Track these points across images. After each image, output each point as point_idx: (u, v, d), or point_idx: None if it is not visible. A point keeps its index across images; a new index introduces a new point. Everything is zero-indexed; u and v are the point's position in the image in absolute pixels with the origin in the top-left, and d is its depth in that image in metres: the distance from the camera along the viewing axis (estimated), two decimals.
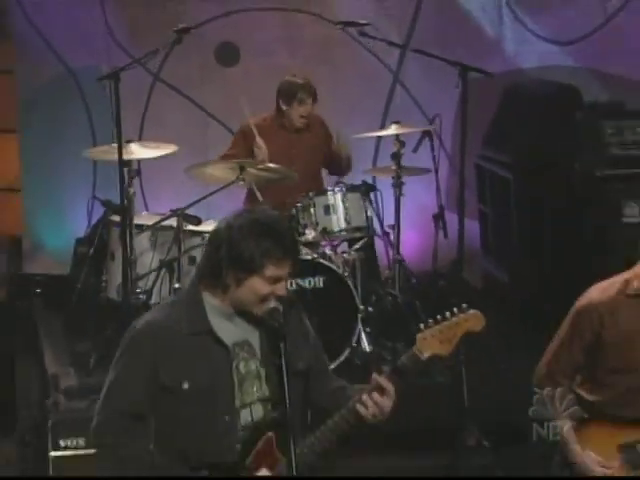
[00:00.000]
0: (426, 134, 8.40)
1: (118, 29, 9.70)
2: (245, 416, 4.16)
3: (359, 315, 7.77)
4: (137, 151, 7.84)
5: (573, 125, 8.33)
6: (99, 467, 5.34)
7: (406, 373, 4.09)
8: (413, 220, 8.86)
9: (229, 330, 4.15)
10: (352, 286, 7.78)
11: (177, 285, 7.74)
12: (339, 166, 8.64)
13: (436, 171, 8.49)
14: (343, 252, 8.13)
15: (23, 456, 7.35)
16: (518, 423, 7.45)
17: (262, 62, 8.71)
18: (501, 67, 8.68)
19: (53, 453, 6.77)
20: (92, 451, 6.66)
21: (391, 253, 8.59)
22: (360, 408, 3.98)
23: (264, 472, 4.11)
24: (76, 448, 6.79)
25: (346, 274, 7.76)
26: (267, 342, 4.16)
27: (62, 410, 7.07)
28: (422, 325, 4.10)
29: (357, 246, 8.26)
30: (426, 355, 4.05)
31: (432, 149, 8.43)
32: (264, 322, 4.10)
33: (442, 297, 8.07)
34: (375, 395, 3.96)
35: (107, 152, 8.02)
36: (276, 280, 4.03)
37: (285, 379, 3.87)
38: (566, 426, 5.04)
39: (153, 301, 7.80)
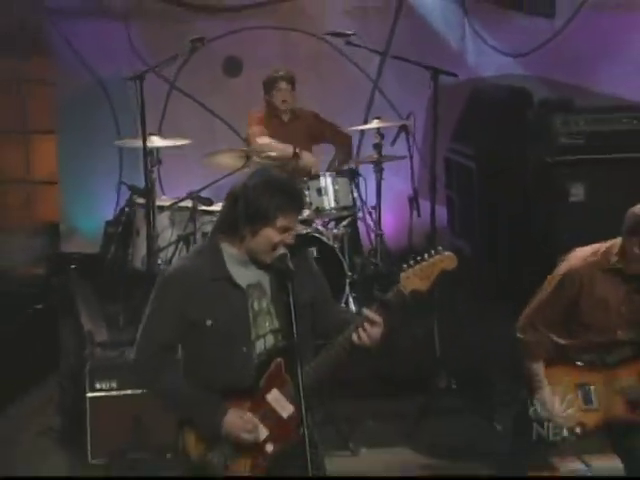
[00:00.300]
0: (402, 129, 8.44)
1: (139, 44, 9.73)
2: (259, 346, 4.19)
3: (347, 281, 7.83)
4: (158, 142, 7.91)
5: (525, 121, 8.43)
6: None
7: (391, 306, 4.14)
8: (391, 203, 8.95)
9: (244, 275, 4.18)
10: (341, 256, 7.86)
11: None
12: (343, 148, 8.75)
13: (411, 159, 8.56)
14: (333, 228, 8.15)
15: (63, 397, 7.40)
16: (481, 370, 7.66)
17: (262, 73, 8.63)
18: (464, 76, 8.66)
19: (90, 394, 6.83)
20: (122, 392, 6.85)
21: (373, 229, 8.66)
22: (354, 336, 4.04)
23: (275, 392, 4.15)
24: (109, 390, 6.90)
25: (336, 246, 7.80)
26: (276, 283, 4.19)
27: (97, 359, 7.10)
28: (405, 265, 4.14)
29: (344, 223, 8.33)
30: (408, 290, 4.12)
31: (407, 141, 8.48)
32: (273, 266, 4.15)
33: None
34: (367, 325, 4.02)
35: (133, 141, 8.20)
36: (285, 230, 4.08)
37: (293, 313, 3.97)
38: (538, 368, 5.18)
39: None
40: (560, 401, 5.14)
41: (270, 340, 4.25)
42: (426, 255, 4.17)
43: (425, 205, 8.69)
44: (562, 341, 5.22)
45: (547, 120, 8.19)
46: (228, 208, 4.19)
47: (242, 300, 4.18)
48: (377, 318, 4.07)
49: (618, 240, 5.11)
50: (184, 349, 4.29)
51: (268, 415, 4.15)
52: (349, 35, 8.49)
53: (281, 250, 4.10)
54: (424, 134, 8.97)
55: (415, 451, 6.91)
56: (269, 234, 4.05)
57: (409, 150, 8.55)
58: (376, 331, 4.08)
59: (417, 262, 4.17)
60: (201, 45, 8.04)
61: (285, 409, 4.15)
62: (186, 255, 4.90)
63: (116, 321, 7.86)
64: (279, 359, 4.15)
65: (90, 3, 9.99)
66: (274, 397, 4.15)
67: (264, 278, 4.23)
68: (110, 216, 9.61)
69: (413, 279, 4.16)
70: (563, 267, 5.21)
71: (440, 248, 4.26)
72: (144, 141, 7.63)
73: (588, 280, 5.11)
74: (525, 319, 5.23)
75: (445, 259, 4.21)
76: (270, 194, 4.05)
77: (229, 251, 4.18)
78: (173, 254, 7.97)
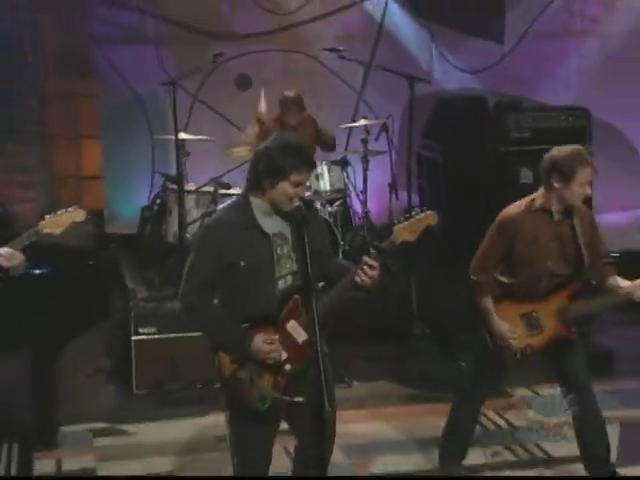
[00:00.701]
0: (383, 127, 8.51)
1: (168, 64, 9.75)
2: (281, 284, 4.26)
3: (340, 249, 7.89)
4: (186, 136, 8.04)
5: (483, 120, 8.53)
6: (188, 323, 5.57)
7: (385, 254, 4.17)
8: (374, 189, 8.98)
9: (269, 224, 4.23)
10: (335, 229, 7.95)
11: None
12: (328, 145, 8.68)
13: (390, 152, 8.63)
14: (328, 207, 8.15)
15: (112, 341, 7.49)
16: (448, 320, 7.76)
17: (267, 88, 8.75)
18: (432, 89, 8.72)
19: (134, 337, 6.94)
20: (160, 336, 6.97)
21: (360, 209, 8.73)
22: (357, 277, 4.10)
23: (292, 322, 4.23)
24: (149, 334, 6.98)
25: (330, 221, 7.81)
26: (295, 233, 4.23)
27: (139, 310, 7.15)
28: (396, 221, 4.22)
29: (337, 203, 8.35)
30: (399, 240, 4.18)
31: (387, 138, 8.54)
32: (292, 218, 4.20)
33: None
34: (366, 268, 4.06)
35: (168, 136, 8.29)
36: (298, 184, 4.13)
37: (308, 259, 4.05)
38: (488, 302, 5.20)
39: None
40: (508, 327, 5.18)
41: (289, 280, 4.28)
42: (413, 212, 4.26)
43: (402, 193, 8.78)
44: (505, 279, 5.26)
45: (501, 118, 8.31)
46: (253, 167, 4.26)
47: (268, 246, 4.22)
48: (375, 262, 4.09)
49: (538, 192, 5.20)
50: (221, 287, 4.30)
51: (287, 340, 4.22)
52: (341, 51, 8.60)
53: (296, 202, 4.16)
54: (399, 136, 8.92)
55: (395, 384, 7.08)
56: (285, 187, 4.10)
57: (388, 145, 8.59)
58: (374, 273, 4.11)
59: (407, 218, 4.24)
60: (220, 58, 8.16)
61: (301, 336, 4.21)
62: (221, 209, 4.85)
63: (153, 283, 7.88)
64: (296, 296, 4.22)
65: (128, 31, 10.01)
66: (292, 326, 4.22)
67: (286, 229, 4.26)
68: (145, 203, 9.65)
69: (403, 232, 4.21)
70: (499, 217, 5.24)
71: (424, 208, 4.38)
72: (176, 133, 7.81)
73: (520, 223, 5.15)
74: (475, 263, 5.27)
75: (429, 216, 4.27)
76: (285, 154, 4.11)
77: (256, 203, 4.22)
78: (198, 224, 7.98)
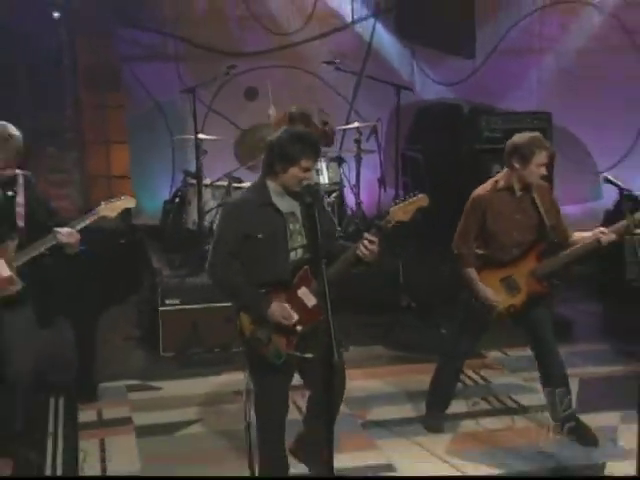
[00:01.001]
0: (373, 129, 8.54)
1: (186, 78, 9.73)
2: (292, 256, 4.32)
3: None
4: (203, 136, 8.04)
5: (459, 123, 8.54)
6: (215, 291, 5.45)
7: (382, 230, 4.21)
8: (366, 184, 9.01)
9: (283, 204, 4.28)
10: (332, 217, 7.80)
11: None
12: (328, 139, 8.59)
13: (379, 152, 8.63)
14: (326, 198, 8.01)
15: (142, 312, 7.52)
16: (431, 294, 7.87)
17: (282, 98, 8.85)
18: (414, 99, 8.78)
19: (161, 308, 6.97)
20: (183, 306, 7.03)
21: (354, 201, 8.71)
22: (358, 251, 4.16)
23: (303, 289, 4.30)
24: (174, 305, 7.01)
25: (329, 209, 7.75)
26: (304, 212, 4.27)
27: (165, 285, 7.19)
28: (393, 202, 4.36)
29: (334, 195, 8.33)
30: (395, 220, 4.24)
31: (376, 140, 8.57)
32: (302, 199, 4.22)
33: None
34: (366, 243, 4.11)
35: (188, 137, 8.24)
36: (307, 169, 4.19)
37: (318, 234, 4.04)
38: (472, 272, 5.23)
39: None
40: (492, 292, 5.21)
41: (300, 253, 4.36)
42: (407, 196, 4.32)
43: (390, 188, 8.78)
44: (482, 251, 5.32)
45: (475, 121, 8.33)
46: (267, 153, 4.28)
47: (282, 222, 4.27)
48: (374, 238, 4.14)
49: (500, 174, 5.36)
50: (242, 257, 4.32)
51: (298, 305, 4.28)
52: (337, 63, 8.63)
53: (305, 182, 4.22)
54: (386, 138, 8.96)
55: (386, 348, 7.15)
56: (295, 172, 4.16)
57: (377, 146, 8.62)
58: (373, 247, 4.16)
59: (402, 201, 4.33)
60: (232, 70, 8.24)
61: (310, 301, 4.28)
62: (242, 190, 4.94)
63: (174, 263, 7.90)
64: (306, 266, 4.27)
65: (151, 50, 10.00)
66: (303, 292, 4.28)
67: (296, 208, 4.32)
68: (167, 196, 9.62)
69: (398, 212, 4.27)
70: (470, 198, 5.34)
71: (417, 192, 4.38)
72: (196, 133, 7.86)
73: (488, 201, 5.25)
74: (457, 239, 5.33)
75: (421, 199, 4.32)
76: (295, 142, 4.17)
77: (271, 186, 4.26)
78: (214, 217, 7.90)
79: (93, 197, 9.74)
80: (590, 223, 5.91)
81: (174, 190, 9.44)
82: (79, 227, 4.63)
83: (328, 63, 8.94)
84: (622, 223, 5.15)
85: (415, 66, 9.89)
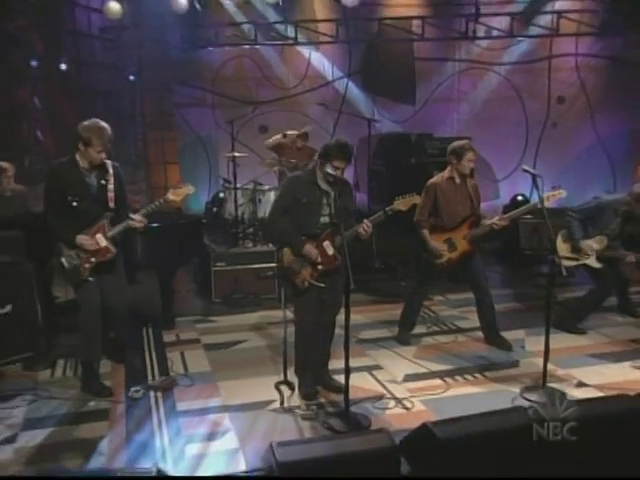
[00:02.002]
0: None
1: (219, 119, 9.66)
2: (322, 220, 4.40)
3: None
4: (237, 154, 7.79)
5: (408, 146, 8.51)
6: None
7: (386, 214, 4.45)
8: None
9: (323, 185, 4.34)
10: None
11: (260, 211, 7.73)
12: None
13: (355, 167, 8.74)
14: None
15: (198, 271, 7.41)
16: (397, 256, 7.83)
17: (281, 130, 8.43)
18: (375, 131, 8.71)
19: (213, 268, 6.93)
20: (228, 267, 6.95)
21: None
22: (360, 229, 4.32)
23: (326, 242, 4.37)
24: (222, 266, 6.97)
25: None
26: (334, 193, 4.33)
27: (215, 254, 7.04)
28: (396, 198, 4.45)
29: None
30: (396, 209, 4.44)
31: (354, 164, 8.31)
32: (334, 184, 4.33)
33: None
34: (365, 227, 4.31)
35: (227, 154, 7.92)
36: (338, 168, 4.24)
37: (338, 208, 4.27)
38: (426, 233, 5.32)
39: (246, 214, 7.84)
40: (438, 246, 5.31)
41: (327, 219, 4.41)
42: (404, 196, 4.45)
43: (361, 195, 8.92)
44: (434, 221, 5.39)
45: (421, 144, 8.35)
46: (319, 152, 4.38)
47: (319, 195, 4.35)
48: (369, 224, 4.32)
49: (448, 169, 5.43)
50: (290, 213, 4.39)
51: (322, 251, 4.36)
52: (327, 105, 8.66)
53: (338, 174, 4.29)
54: (359, 157, 8.63)
55: (365, 294, 7.01)
56: (329, 168, 4.23)
57: (355, 162, 8.55)
58: (369, 229, 4.33)
59: (402, 197, 4.47)
60: (257, 108, 8.45)
61: (330, 250, 4.38)
62: (302, 172, 4.78)
63: (218, 241, 7.66)
64: (329, 228, 4.36)
65: (194, 100, 9.91)
66: (326, 244, 4.38)
67: (330, 190, 4.36)
68: (207, 199, 9.46)
69: (400, 204, 4.44)
70: (426, 185, 5.40)
71: (412, 193, 4.49)
72: (233, 150, 7.78)
73: (438, 186, 5.37)
74: (417, 212, 5.30)
75: (416, 198, 4.50)
76: (333, 147, 4.27)
77: (318, 173, 4.33)
78: (244, 210, 7.84)
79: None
80: (492, 215, 5.93)
81: (212, 194, 9.34)
82: (150, 211, 4.52)
83: (321, 104, 9.04)
84: (511, 213, 5.45)
85: (375, 110, 9.79)
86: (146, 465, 3.66)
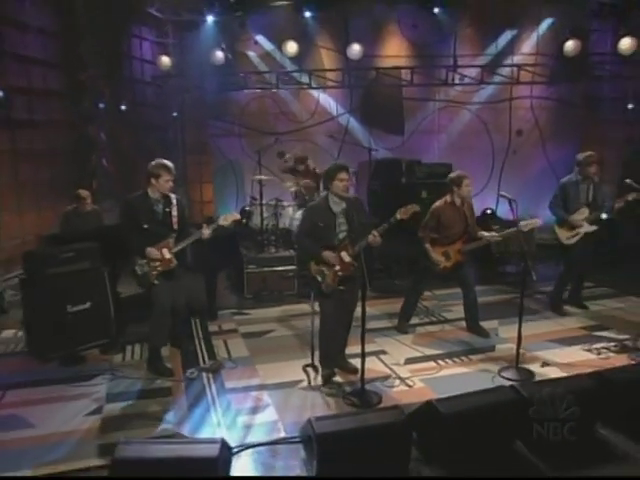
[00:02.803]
0: (354, 174, 8.11)
1: (245, 147, 9.70)
2: (339, 235, 4.39)
3: None
4: (263, 177, 7.75)
5: (400, 169, 8.40)
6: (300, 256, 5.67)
7: (391, 224, 4.30)
8: None
9: (335, 207, 4.34)
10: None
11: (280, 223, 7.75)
12: (317, 177, 8.04)
13: (357, 186, 8.58)
14: None
15: (236, 273, 7.19)
16: (395, 260, 7.68)
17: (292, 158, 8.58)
18: (372, 158, 8.51)
19: (246, 270, 6.89)
20: (258, 269, 6.87)
21: None
22: (370, 238, 4.23)
23: (344, 252, 4.34)
24: (253, 268, 6.93)
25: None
26: (347, 210, 4.34)
27: (247, 258, 7.00)
28: (398, 209, 4.29)
29: None
30: (398, 218, 4.29)
31: (356, 179, 8.37)
32: (347, 202, 4.35)
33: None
34: (373, 236, 4.24)
35: (255, 177, 7.86)
36: (343, 180, 4.25)
37: (354, 223, 4.31)
38: (429, 246, 5.31)
39: (270, 226, 7.79)
40: (437, 257, 5.31)
41: (343, 234, 4.39)
42: (406, 206, 4.30)
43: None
44: (435, 235, 5.35)
45: (411, 168, 8.29)
46: (324, 176, 4.44)
47: (333, 218, 4.33)
48: (377, 234, 4.22)
49: (448, 194, 5.33)
50: (311, 234, 4.38)
51: (340, 260, 4.34)
52: (334, 136, 8.67)
53: (350, 194, 4.39)
54: (358, 179, 8.68)
55: (370, 291, 6.76)
56: (337, 183, 4.25)
57: (356, 182, 8.49)
58: (378, 239, 4.23)
59: (404, 207, 4.31)
60: (280, 139, 8.32)
61: (347, 258, 4.35)
62: (318, 199, 4.77)
63: (249, 246, 7.56)
64: (346, 241, 4.35)
65: (225, 131, 9.90)
66: (343, 254, 4.36)
67: (342, 208, 4.35)
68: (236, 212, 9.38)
69: (401, 213, 4.28)
70: (431, 208, 5.33)
71: (413, 204, 4.33)
72: (260, 173, 7.72)
73: (441, 209, 5.30)
74: (421, 228, 5.32)
75: (415, 207, 4.32)
76: (333, 167, 4.32)
77: (331, 196, 4.31)
78: (269, 221, 7.82)
79: (194, 214, 9.65)
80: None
81: (239, 207, 9.29)
82: (212, 229, 4.61)
83: (330, 136, 9.07)
84: (506, 232, 5.35)
85: (371, 139, 9.76)
86: (207, 434, 3.72)
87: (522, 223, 4.93)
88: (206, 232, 4.59)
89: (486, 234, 5.36)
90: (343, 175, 4.25)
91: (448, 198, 5.32)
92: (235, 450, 3.47)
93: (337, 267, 4.33)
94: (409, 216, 4.27)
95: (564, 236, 5.89)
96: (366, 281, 4.02)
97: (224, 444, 3.08)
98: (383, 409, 3.44)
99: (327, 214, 4.34)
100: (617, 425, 3.69)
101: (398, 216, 4.26)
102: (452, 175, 5.36)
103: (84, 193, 6.51)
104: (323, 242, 4.34)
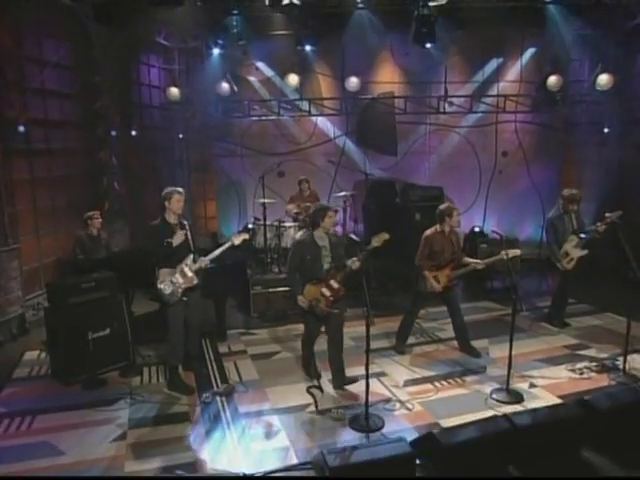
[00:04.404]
0: (351, 195, 8.35)
1: (247, 167, 9.78)
2: (325, 265, 4.65)
3: None
4: (266, 200, 7.79)
5: (395, 191, 8.55)
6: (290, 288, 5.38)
7: (368, 252, 4.62)
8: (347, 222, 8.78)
9: (320, 241, 4.62)
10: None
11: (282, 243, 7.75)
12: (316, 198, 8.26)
13: (354, 206, 8.61)
14: None
15: (242, 293, 7.15)
16: (391, 279, 7.79)
17: (297, 177, 8.58)
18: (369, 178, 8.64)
19: (252, 291, 7.00)
20: (263, 290, 6.91)
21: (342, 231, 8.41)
22: (352, 265, 4.54)
23: (332, 280, 4.63)
24: (259, 289, 7.00)
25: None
26: (330, 244, 4.64)
27: (252, 279, 7.04)
28: (372, 238, 4.55)
29: None
30: (373, 246, 4.57)
31: (353, 199, 8.47)
32: (329, 238, 4.66)
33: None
34: (353, 263, 4.54)
35: (258, 200, 7.88)
36: (331, 217, 4.63)
37: (337, 255, 4.60)
38: (426, 272, 5.41)
39: (273, 245, 7.82)
40: (435, 283, 5.44)
41: (327, 265, 4.66)
42: (380, 234, 4.56)
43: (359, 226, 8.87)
44: (430, 262, 5.46)
45: (406, 190, 8.38)
46: (311, 216, 4.72)
47: (319, 250, 4.60)
48: (357, 261, 4.53)
49: (439, 224, 5.45)
50: (299, 267, 4.67)
51: (330, 287, 4.61)
52: (334, 162, 8.74)
53: (332, 230, 4.70)
54: (353, 199, 8.71)
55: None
56: (327, 219, 4.58)
57: (353, 202, 8.56)
58: (358, 264, 4.53)
59: (376, 236, 4.58)
60: (281, 163, 8.53)
61: (335, 285, 4.64)
62: (304, 235, 4.86)
63: (252, 265, 7.60)
64: (332, 270, 4.60)
65: (228, 152, 9.97)
66: (332, 282, 4.64)
67: (326, 242, 4.64)
68: (236, 229, 9.50)
69: (375, 242, 4.57)
70: (424, 235, 5.46)
71: (383, 233, 4.55)
72: (264, 197, 7.76)
73: (432, 237, 5.42)
74: (418, 258, 5.44)
75: (385, 235, 4.57)
76: (315, 212, 4.61)
77: (315, 232, 4.61)
78: (272, 240, 7.84)
79: (198, 229, 9.66)
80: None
81: (241, 224, 9.43)
82: (216, 255, 4.78)
83: (328, 161, 9.14)
84: (489, 260, 5.43)
85: (367, 160, 9.81)
86: (225, 460, 3.82)
87: (504, 252, 5.10)
88: (205, 261, 4.77)
89: (471, 260, 5.55)
90: (331, 213, 4.64)
91: (438, 227, 5.47)
92: (251, 477, 3.58)
93: (328, 294, 4.63)
94: (381, 244, 4.56)
95: (563, 265, 6.08)
96: (369, 309, 4.16)
97: (245, 477, 3.19)
98: (389, 441, 3.55)
99: (313, 248, 4.65)
100: (601, 450, 3.82)
101: (375, 244, 4.55)
102: (442, 207, 5.50)
103: (91, 213, 6.60)
104: (312, 272, 4.63)
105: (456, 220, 5.43)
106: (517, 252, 5.26)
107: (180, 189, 4.74)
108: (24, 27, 6.62)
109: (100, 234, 6.68)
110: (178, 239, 4.67)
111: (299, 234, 7.45)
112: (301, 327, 6.24)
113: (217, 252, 4.79)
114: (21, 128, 6.39)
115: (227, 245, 4.82)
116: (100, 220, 6.65)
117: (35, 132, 6.78)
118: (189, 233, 4.79)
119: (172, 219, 4.71)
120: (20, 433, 4.15)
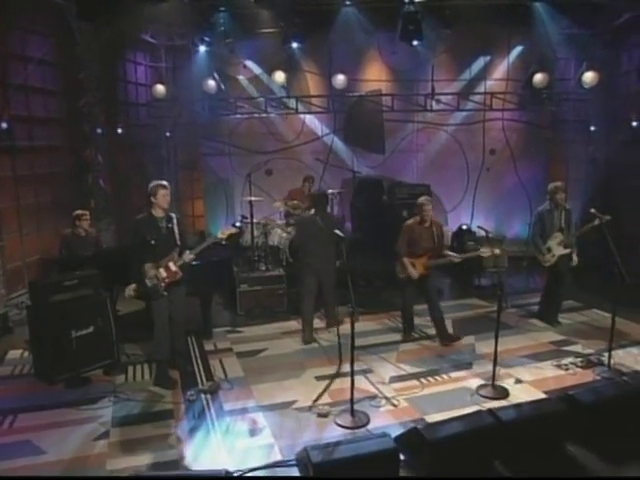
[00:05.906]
0: (339, 193, 8.44)
1: (234, 165, 9.78)
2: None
3: None
4: (253, 198, 7.66)
5: (382, 188, 8.53)
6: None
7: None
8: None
9: (319, 222, 4.82)
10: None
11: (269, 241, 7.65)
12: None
13: (341, 203, 8.69)
14: None
15: (226, 293, 7.12)
16: (377, 276, 7.71)
17: (285, 175, 8.78)
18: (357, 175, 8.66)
19: (238, 289, 6.95)
20: (250, 288, 6.84)
21: None
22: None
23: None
24: (245, 287, 6.95)
25: None
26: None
27: (239, 277, 6.98)
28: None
29: None
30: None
31: (341, 197, 8.57)
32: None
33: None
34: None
35: (244, 198, 7.77)
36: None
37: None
38: (405, 259, 5.50)
39: (260, 244, 7.70)
40: (412, 269, 5.53)
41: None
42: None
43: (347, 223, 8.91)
44: (409, 249, 5.63)
45: (392, 188, 8.40)
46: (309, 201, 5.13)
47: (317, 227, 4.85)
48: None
49: (418, 215, 5.63)
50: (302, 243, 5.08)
51: None
52: (321, 160, 8.71)
53: None
54: (342, 196, 8.84)
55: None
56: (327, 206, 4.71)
57: (341, 200, 8.64)
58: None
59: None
60: (268, 161, 8.43)
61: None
62: (306, 214, 5.27)
63: (239, 263, 7.57)
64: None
65: (216, 150, 9.91)
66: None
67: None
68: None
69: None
70: (403, 226, 5.67)
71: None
72: (251, 195, 7.67)
73: (411, 227, 5.63)
74: (398, 245, 5.63)
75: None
76: (317, 197, 5.12)
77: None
78: (259, 238, 7.74)
79: (187, 227, 9.39)
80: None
81: (229, 223, 9.36)
82: (202, 248, 4.79)
83: (316, 159, 9.13)
84: (466, 255, 5.75)
85: (354, 158, 9.81)
86: (209, 459, 3.77)
87: (482, 249, 5.47)
88: (187, 257, 4.76)
89: (449, 253, 5.76)
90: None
91: (417, 219, 5.69)
92: (235, 474, 3.53)
93: None
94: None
95: (543, 260, 6.09)
96: (353, 304, 4.12)
97: (227, 474, 3.15)
98: (373, 437, 3.53)
99: (313, 224, 5.12)
100: (586, 444, 3.81)
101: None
102: (420, 200, 5.73)
103: (80, 212, 6.45)
104: (308, 247, 5.21)
105: (427, 211, 5.61)
106: (497, 251, 5.37)
107: (164, 182, 4.72)
108: (7, 23, 6.54)
109: (89, 233, 6.57)
110: (160, 239, 4.66)
111: (286, 233, 7.50)
112: (289, 325, 6.48)
113: (202, 246, 4.76)
114: (4, 125, 6.31)
115: (211, 239, 4.81)
116: (89, 220, 6.54)
117: (18, 129, 6.69)
118: (176, 227, 4.77)
119: (159, 213, 4.69)
120: (1, 432, 4.08)
